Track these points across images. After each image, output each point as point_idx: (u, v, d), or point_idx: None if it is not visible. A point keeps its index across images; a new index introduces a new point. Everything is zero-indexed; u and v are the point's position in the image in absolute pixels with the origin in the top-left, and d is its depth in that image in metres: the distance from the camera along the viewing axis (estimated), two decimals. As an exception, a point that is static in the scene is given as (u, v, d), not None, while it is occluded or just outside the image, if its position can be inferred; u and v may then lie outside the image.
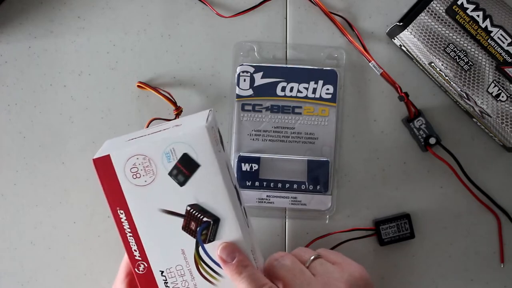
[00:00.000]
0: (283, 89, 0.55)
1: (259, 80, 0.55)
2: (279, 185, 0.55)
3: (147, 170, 0.40)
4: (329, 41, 0.56)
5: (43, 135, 0.56)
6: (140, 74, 0.56)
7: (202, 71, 0.56)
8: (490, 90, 0.51)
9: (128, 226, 0.41)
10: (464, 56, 0.51)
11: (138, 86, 0.56)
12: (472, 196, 0.55)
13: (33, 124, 0.56)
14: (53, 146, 0.56)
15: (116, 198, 0.41)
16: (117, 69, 0.56)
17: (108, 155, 0.40)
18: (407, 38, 0.52)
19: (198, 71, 0.56)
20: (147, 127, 0.55)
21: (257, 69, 0.55)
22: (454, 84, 0.52)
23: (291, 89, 0.55)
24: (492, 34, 0.51)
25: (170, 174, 0.40)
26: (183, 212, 0.41)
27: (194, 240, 0.41)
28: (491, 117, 0.52)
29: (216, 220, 0.41)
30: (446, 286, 0.56)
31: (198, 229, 0.41)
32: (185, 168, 0.40)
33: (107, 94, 0.56)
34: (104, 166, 0.40)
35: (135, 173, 0.40)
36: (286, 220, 0.56)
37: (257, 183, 0.55)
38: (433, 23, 0.52)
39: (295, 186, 0.54)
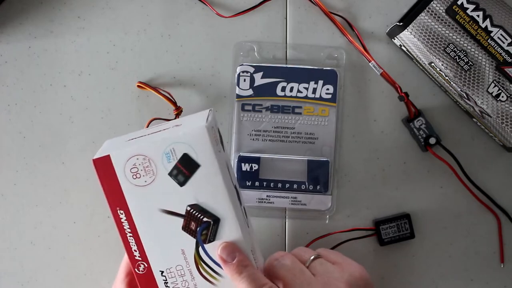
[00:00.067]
0: (283, 89, 0.55)
1: (259, 80, 0.55)
2: (279, 185, 0.55)
3: (147, 170, 0.40)
4: (329, 41, 0.56)
5: (43, 135, 0.56)
6: (140, 74, 0.56)
7: (202, 71, 0.56)
8: (490, 90, 0.51)
9: (128, 226, 0.41)
10: (464, 56, 0.51)
11: (138, 86, 0.56)
12: (472, 196, 0.55)
13: (33, 124, 0.56)
14: (53, 146, 0.56)
15: (116, 198, 0.41)
16: (117, 69, 0.56)
17: (108, 155, 0.40)
18: (407, 38, 0.52)
19: (198, 71, 0.56)
20: (147, 127, 0.55)
21: (257, 69, 0.55)
22: (454, 84, 0.52)
23: (291, 89, 0.55)
24: (492, 34, 0.51)
25: (170, 174, 0.40)
26: (183, 212, 0.41)
27: (194, 240, 0.41)
28: (491, 117, 0.52)
29: (216, 220, 0.41)
30: (446, 286, 0.56)
31: (198, 229, 0.41)
32: (185, 168, 0.40)
33: (107, 94, 0.56)
34: (104, 166, 0.40)
35: (135, 173, 0.40)
36: (286, 220, 0.56)
37: (257, 183, 0.55)
38: (433, 23, 0.52)
39: (295, 186, 0.54)
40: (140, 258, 0.42)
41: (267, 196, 0.55)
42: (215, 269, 0.42)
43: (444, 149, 0.54)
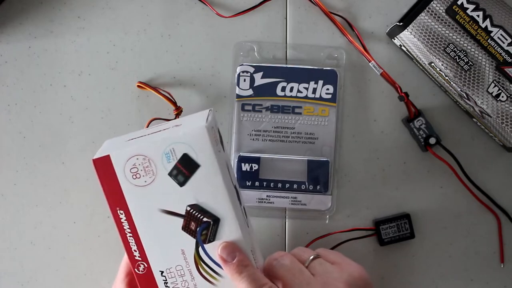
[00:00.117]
0: (283, 89, 0.55)
1: (259, 80, 0.55)
2: (279, 185, 0.55)
3: (147, 170, 0.40)
4: (329, 41, 0.56)
5: (43, 135, 0.56)
6: (140, 74, 0.56)
7: (202, 71, 0.56)
8: (490, 90, 0.51)
9: (128, 226, 0.41)
10: (464, 56, 0.51)
11: (138, 86, 0.56)
12: (472, 196, 0.55)
13: (33, 124, 0.56)
14: (53, 146, 0.56)
15: (116, 198, 0.41)
16: (117, 69, 0.56)
17: (108, 155, 0.40)
18: (407, 38, 0.52)
19: (198, 71, 0.56)
20: (147, 127, 0.55)
21: (257, 69, 0.55)
22: (454, 84, 0.52)
23: (291, 89, 0.55)
24: (492, 34, 0.51)
25: (170, 174, 0.40)
26: (183, 212, 0.41)
27: (194, 240, 0.41)
28: (491, 117, 0.52)
29: (216, 220, 0.41)
30: (446, 286, 0.56)
31: (198, 229, 0.41)
32: (185, 168, 0.40)
33: (107, 94, 0.56)
34: (104, 166, 0.40)
35: (135, 173, 0.40)
36: (286, 220, 0.56)
37: (257, 183, 0.55)
38: (433, 23, 0.52)
39: (295, 186, 0.54)
40: (140, 258, 0.42)
41: (267, 196, 0.55)
42: (215, 269, 0.42)
43: (444, 149, 0.54)
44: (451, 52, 0.51)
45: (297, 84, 0.54)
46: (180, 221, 0.41)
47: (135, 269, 0.42)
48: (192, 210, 0.41)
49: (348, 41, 0.54)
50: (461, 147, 0.55)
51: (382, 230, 0.55)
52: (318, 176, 0.54)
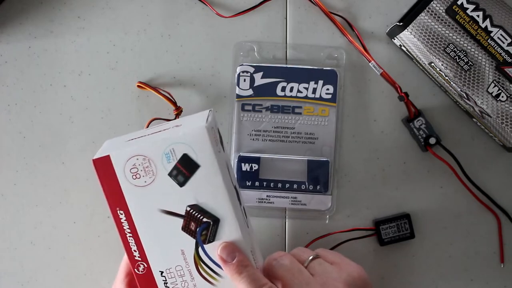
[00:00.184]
0: (283, 89, 0.55)
1: (259, 80, 0.55)
2: (279, 185, 0.55)
3: (147, 171, 0.40)
4: (329, 41, 0.56)
5: (43, 135, 0.56)
6: (140, 74, 0.56)
7: (202, 71, 0.56)
8: (490, 90, 0.51)
9: (128, 227, 0.41)
10: (464, 56, 0.51)
11: (138, 86, 0.56)
12: (472, 196, 0.55)
13: (33, 124, 0.56)
14: (53, 146, 0.56)
15: (116, 198, 0.41)
16: (117, 69, 0.56)
17: (108, 156, 0.40)
18: (407, 38, 0.52)
19: (198, 71, 0.56)
20: (147, 127, 0.55)
21: (257, 69, 0.55)
22: (454, 84, 0.52)
23: (291, 89, 0.55)
24: (492, 34, 0.51)
25: (170, 174, 0.40)
26: (183, 213, 0.41)
27: (194, 240, 0.41)
28: (491, 117, 0.52)
29: (216, 221, 0.41)
30: (446, 286, 0.56)
31: (197, 229, 0.41)
32: (185, 169, 0.40)
33: (107, 94, 0.56)
34: (104, 167, 0.40)
35: (135, 174, 0.40)
36: (286, 220, 0.56)
37: (257, 183, 0.55)
38: (433, 23, 0.52)
39: (295, 186, 0.54)
40: (139, 259, 0.42)
41: (267, 196, 0.55)
42: (214, 269, 0.42)
43: (444, 149, 0.54)
44: (451, 52, 0.51)
45: (297, 84, 0.54)
46: (180, 221, 0.41)
47: (135, 269, 0.42)
48: (192, 210, 0.41)
49: (348, 41, 0.54)
50: (461, 147, 0.55)
51: (382, 230, 0.55)
52: (318, 176, 0.54)
